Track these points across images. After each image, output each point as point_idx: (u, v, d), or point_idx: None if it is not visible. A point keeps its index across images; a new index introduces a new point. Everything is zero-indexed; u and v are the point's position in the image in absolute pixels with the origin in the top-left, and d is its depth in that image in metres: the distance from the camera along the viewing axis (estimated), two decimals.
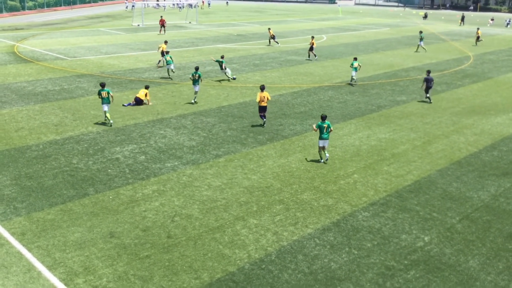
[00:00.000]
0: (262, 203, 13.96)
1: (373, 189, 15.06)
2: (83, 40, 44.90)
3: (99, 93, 20.14)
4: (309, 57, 38.20)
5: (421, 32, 45.63)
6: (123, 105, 23.49)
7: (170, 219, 12.87)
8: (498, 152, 18.74)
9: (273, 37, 44.80)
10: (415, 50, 44.51)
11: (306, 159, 17.30)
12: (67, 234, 12.00)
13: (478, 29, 52.44)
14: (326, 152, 17.02)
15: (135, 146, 18.20)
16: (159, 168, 16.22)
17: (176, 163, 16.64)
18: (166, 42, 33.94)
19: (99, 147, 17.98)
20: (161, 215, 13.07)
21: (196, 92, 24.21)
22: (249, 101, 24.97)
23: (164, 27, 50.88)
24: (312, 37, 39.31)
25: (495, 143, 19.80)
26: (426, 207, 14.03)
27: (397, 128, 21.33)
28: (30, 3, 76.22)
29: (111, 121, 20.51)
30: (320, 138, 16.64)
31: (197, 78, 23.66)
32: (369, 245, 11.96)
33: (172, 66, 29.86)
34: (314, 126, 16.83)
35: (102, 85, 20.34)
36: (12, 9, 72.15)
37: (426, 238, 12.32)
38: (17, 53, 37.21)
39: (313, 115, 22.60)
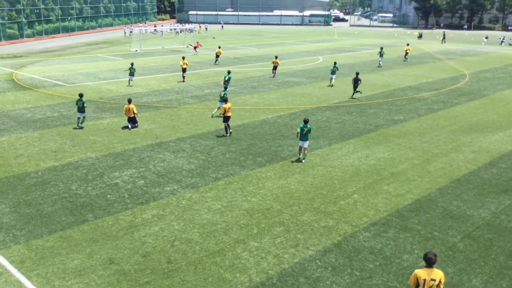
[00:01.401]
0: (262, 225, 13.90)
1: (373, 209, 15.02)
2: (82, 66, 45.25)
3: (76, 102, 23.87)
4: (274, 75, 40.30)
5: (381, 48, 49.13)
6: (122, 128, 23.81)
7: (170, 244, 12.79)
8: (497, 170, 18.75)
9: (217, 56, 48.07)
10: (377, 65, 47.47)
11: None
12: (66, 261, 11.90)
13: (407, 44, 54.84)
14: (305, 152, 19.24)
15: (134, 170, 18.19)
16: (158, 192, 16.19)
17: (176, 187, 16.61)
18: (184, 58, 38.18)
19: (98, 172, 17.97)
20: (161, 240, 12.99)
21: (219, 108, 26.01)
22: (247, 123, 25.07)
23: (196, 48, 55.51)
24: (276, 57, 41.19)
25: (494, 160, 19.82)
26: (427, 226, 13.98)
27: (396, 147, 21.37)
28: (29, 31, 77.02)
29: (82, 125, 23.91)
30: (300, 139, 18.86)
31: (222, 95, 25.53)
32: (371, 266, 11.87)
33: (132, 77, 35.35)
34: (298, 130, 18.84)
35: (80, 95, 23.85)
36: (10, 37, 72.88)
37: None
38: (16, 80, 37.44)
39: (311, 136, 22.63)
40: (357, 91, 31.83)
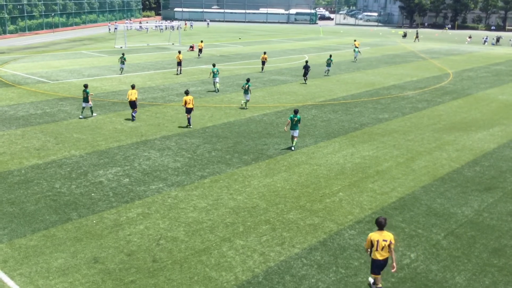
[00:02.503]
0: (248, 223, 13.90)
1: (358, 207, 15.11)
2: (65, 63, 44.73)
3: (83, 92, 24.94)
4: (262, 70, 41.73)
5: (356, 46, 52.46)
6: (132, 115, 24.91)
7: (155, 243, 12.72)
8: (480, 168, 19.00)
9: (199, 50, 51.00)
10: (353, 60, 50.72)
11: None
12: (50, 260, 11.77)
13: (355, 40, 58.72)
14: (295, 140, 20.45)
15: (119, 168, 18.05)
16: (143, 190, 16.08)
17: (161, 185, 16.52)
18: (179, 52, 40.27)
19: (82, 170, 17.79)
20: (146, 239, 12.92)
21: (247, 100, 27.83)
22: (234, 121, 25.04)
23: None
24: (264, 53, 43.70)
25: (477, 158, 20.08)
26: (411, 224, 14.11)
27: (381, 145, 21.53)
28: (11, 27, 75.87)
29: (94, 115, 25.55)
30: (291, 128, 20.10)
31: (247, 88, 27.27)
32: (356, 263, 11.94)
33: (123, 65, 38.56)
34: (285, 128, 20.43)
35: (85, 86, 24.78)
36: None
37: (412, 255, 12.35)
38: None
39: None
40: (305, 78, 36.18)
